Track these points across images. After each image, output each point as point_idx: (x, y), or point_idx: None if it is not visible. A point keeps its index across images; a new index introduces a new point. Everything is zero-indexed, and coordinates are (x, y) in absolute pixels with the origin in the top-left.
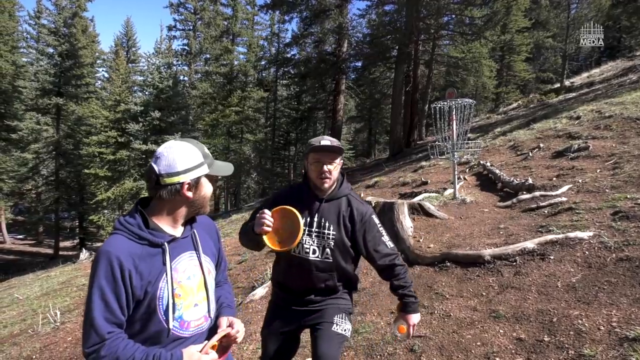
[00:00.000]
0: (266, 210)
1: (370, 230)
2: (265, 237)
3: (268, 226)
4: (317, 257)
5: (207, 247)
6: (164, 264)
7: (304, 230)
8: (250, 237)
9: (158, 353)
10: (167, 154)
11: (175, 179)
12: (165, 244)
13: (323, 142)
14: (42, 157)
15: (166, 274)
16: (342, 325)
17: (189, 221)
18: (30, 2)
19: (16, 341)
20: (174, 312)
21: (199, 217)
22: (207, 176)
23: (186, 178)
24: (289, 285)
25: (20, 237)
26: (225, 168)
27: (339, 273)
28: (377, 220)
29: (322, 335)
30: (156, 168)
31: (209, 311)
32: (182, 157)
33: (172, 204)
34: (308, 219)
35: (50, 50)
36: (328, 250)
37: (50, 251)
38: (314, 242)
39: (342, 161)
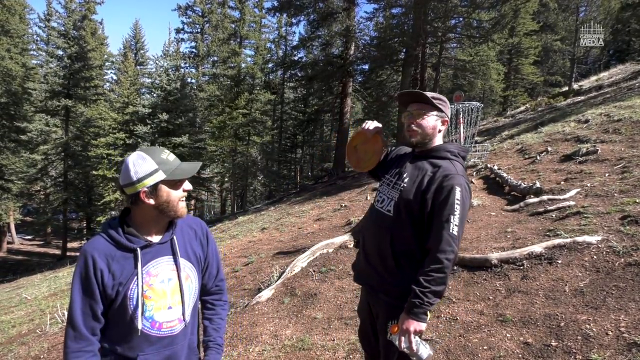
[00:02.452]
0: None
1: (443, 198)
2: (347, 149)
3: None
4: (382, 207)
5: (189, 252)
6: (136, 267)
7: (388, 179)
8: None
9: None
10: (124, 167)
11: (132, 189)
12: (138, 249)
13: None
14: (50, 159)
15: (137, 277)
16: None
17: (170, 226)
18: (41, 5)
19: (24, 341)
20: (143, 313)
21: (187, 221)
22: (169, 181)
23: (141, 186)
24: (359, 238)
25: (29, 237)
26: (188, 170)
27: (395, 237)
28: (459, 196)
29: (380, 340)
30: (120, 181)
31: (183, 314)
32: (135, 168)
33: (141, 210)
34: (397, 170)
35: (60, 52)
36: (392, 202)
37: (58, 252)
38: (387, 191)
39: (438, 116)
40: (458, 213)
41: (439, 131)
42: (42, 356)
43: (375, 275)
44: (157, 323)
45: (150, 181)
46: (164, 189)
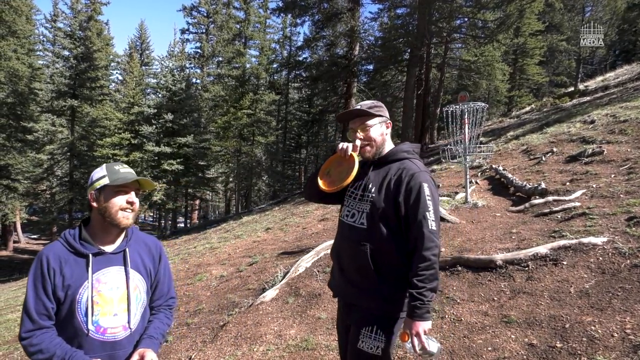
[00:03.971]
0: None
1: (414, 197)
2: (319, 176)
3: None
4: (354, 221)
5: (139, 265)
6: (87, 272)
7: (353, 193)
8: (312, 179)
9: (74, 354)
10: None
11: (88, 193)
12: (90, 255)
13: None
14: (56, 158)
15: (87, 282)
16: (368, 342)
17: (124, 237)
18: (47, 6)
19: None
20: (91, 316)
21: (143, 238)
22: (112, 189)
23: (92, 189)
24: (333, 256)
25: (35, 237)
26: (128, 177)
27: (374, 249)
28: (428, 192)
29: (349, 350)
30: None
31: (128, 322)
32: (92, 175)
33: (92, 215)
34: (360, 183)
35: (66, 53)
36: (364, 214)
37: None
38: (356, 205)
39: (381, 122)
40: (432, 208)
41: (386, 135)
42: None
43: (355, 290)
44: (102, 328)
45: (97, 184)
46: (107, 195)
